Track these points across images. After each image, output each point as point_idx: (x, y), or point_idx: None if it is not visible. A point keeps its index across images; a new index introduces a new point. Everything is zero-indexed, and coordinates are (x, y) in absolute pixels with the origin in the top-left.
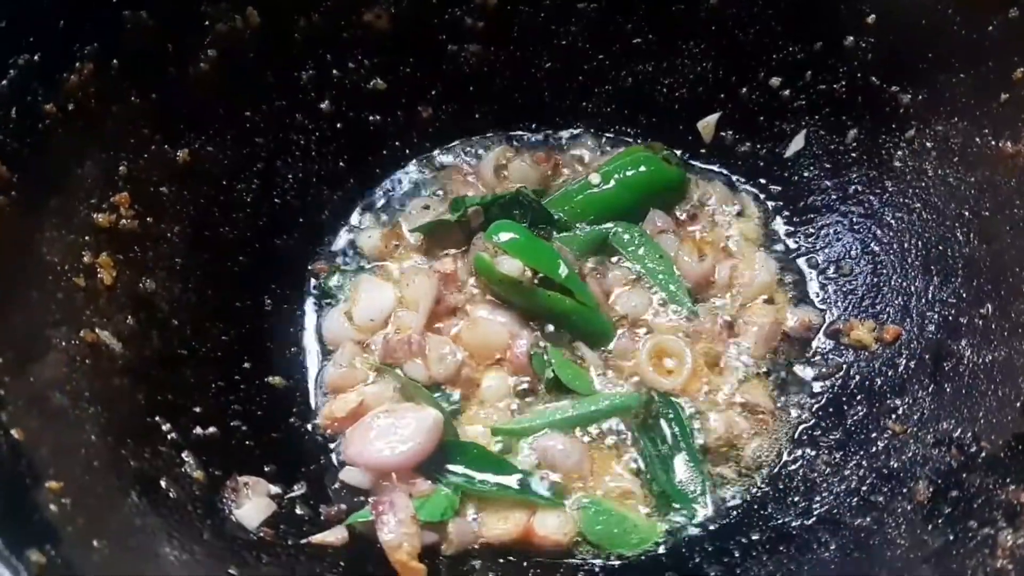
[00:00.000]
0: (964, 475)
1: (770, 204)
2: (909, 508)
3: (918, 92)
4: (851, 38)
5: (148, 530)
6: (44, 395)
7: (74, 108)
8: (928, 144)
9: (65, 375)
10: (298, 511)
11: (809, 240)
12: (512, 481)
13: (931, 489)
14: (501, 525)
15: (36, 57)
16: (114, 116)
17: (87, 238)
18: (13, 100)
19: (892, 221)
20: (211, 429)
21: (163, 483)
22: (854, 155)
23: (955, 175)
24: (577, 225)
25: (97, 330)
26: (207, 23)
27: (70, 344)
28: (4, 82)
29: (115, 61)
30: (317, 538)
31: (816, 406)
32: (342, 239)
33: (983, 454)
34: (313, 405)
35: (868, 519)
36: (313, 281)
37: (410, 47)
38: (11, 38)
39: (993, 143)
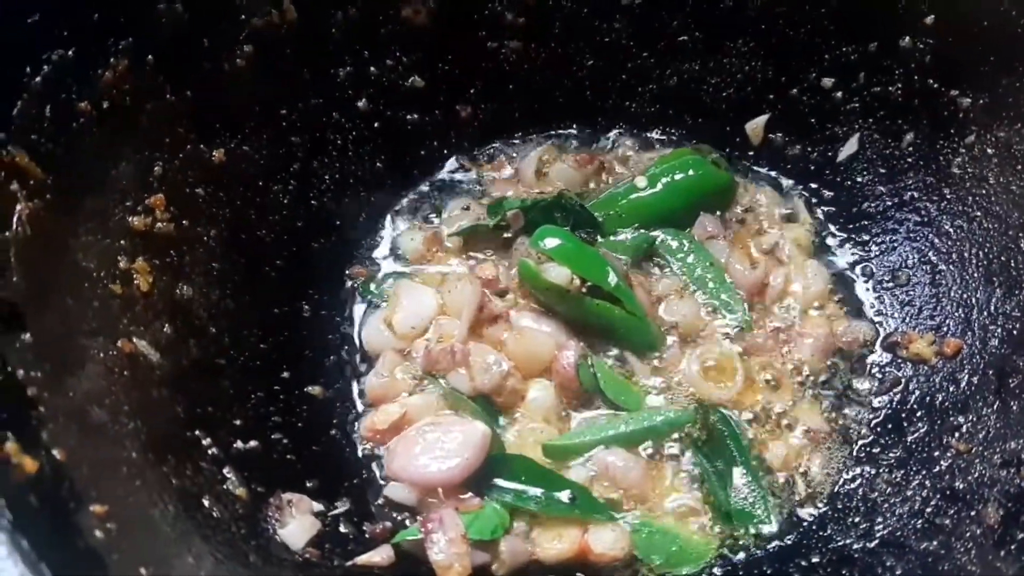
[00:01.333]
0: None
1: (822, 210)
2: (979, 532)
3: (979, 96)
4: (908, 39)
5: (194, 553)
6: (83, 410)
7: (108, 106)
8: (989, 150)
9: (103, 388)
10: (342, 529)
11: (863, 248)
12: (564, 496)
13: (1001, 512)
14: (556, 544)
15: (70, 53)
16: (149, 114)
17: (123, 242)
18: (47, 98)
19: (951, 230)
20: (252, 443)
21: (206, 502)
22: (910, 160)
23: (1018, 183)
24: (622, 230)
25: (135, 339)
26: (243, 17)
27: (108, 355)
28: (38, 79)
29: (150, 57)
30: (363, 559)
31: (875, 422)
32: (380, 242)
33: None
34: (354, 416)
35: (935, 543)
36: (350, 285)
37: (449, 44)
38: (45, 33)
39: None
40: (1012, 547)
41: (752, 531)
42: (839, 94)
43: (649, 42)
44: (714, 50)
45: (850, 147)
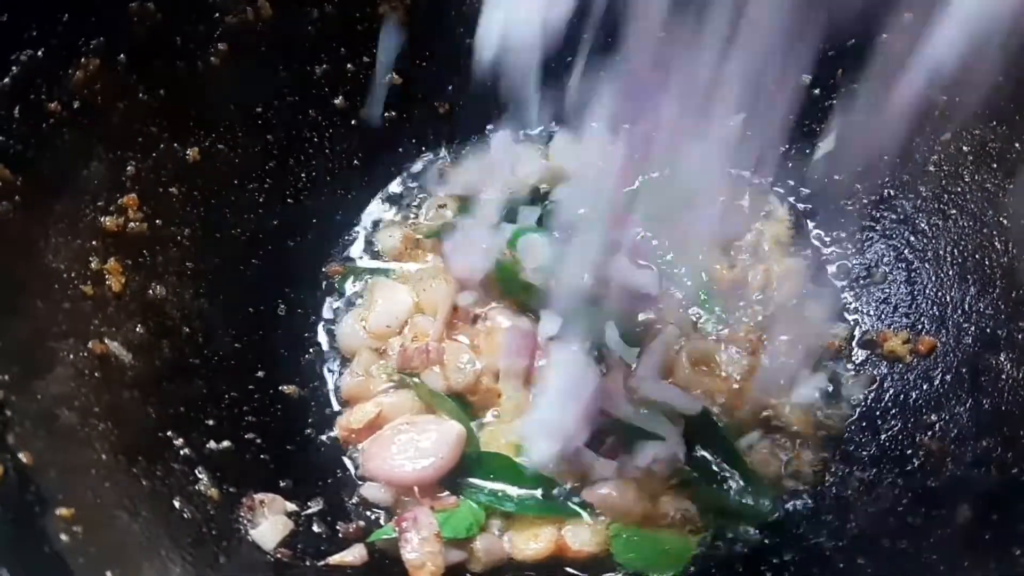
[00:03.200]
0: (1006, 498)
1: (799, 207)
2: (949, 532)
3: (955, 94)
4: (886, 36)
5: (162, 556)
6: (52, 413)
7: (79, 106)
8: (964, 148)
9: (73, 390)
10: (315, 529)
11: (840, 246)
12: (538, 494)
13: (971, 512)
14: (532, 544)
15: (40, 53)
16: (121, 114)
17: (94, 243)
18: (16, 98)
19: (926, 227)
20: (225, 443)
21: (176, 503)
22: (887, 158)
23: (993, 181)
24: None
25: (106, 340)
26: (216, 15)
27: (78, 356)
28: (7, 79)
29: (122, 56)
30: (336, 558)
31: (850, 420)
32: (357, 240)
33: None
34: (330, 415)
35: (905, 542)
36: (326, 283)
37: (426, 41)
38: (14, 32)
39: None
40: (980, 547)
41: (736, 528)
42: (817, 91)
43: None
44: None
45: (827, 145)
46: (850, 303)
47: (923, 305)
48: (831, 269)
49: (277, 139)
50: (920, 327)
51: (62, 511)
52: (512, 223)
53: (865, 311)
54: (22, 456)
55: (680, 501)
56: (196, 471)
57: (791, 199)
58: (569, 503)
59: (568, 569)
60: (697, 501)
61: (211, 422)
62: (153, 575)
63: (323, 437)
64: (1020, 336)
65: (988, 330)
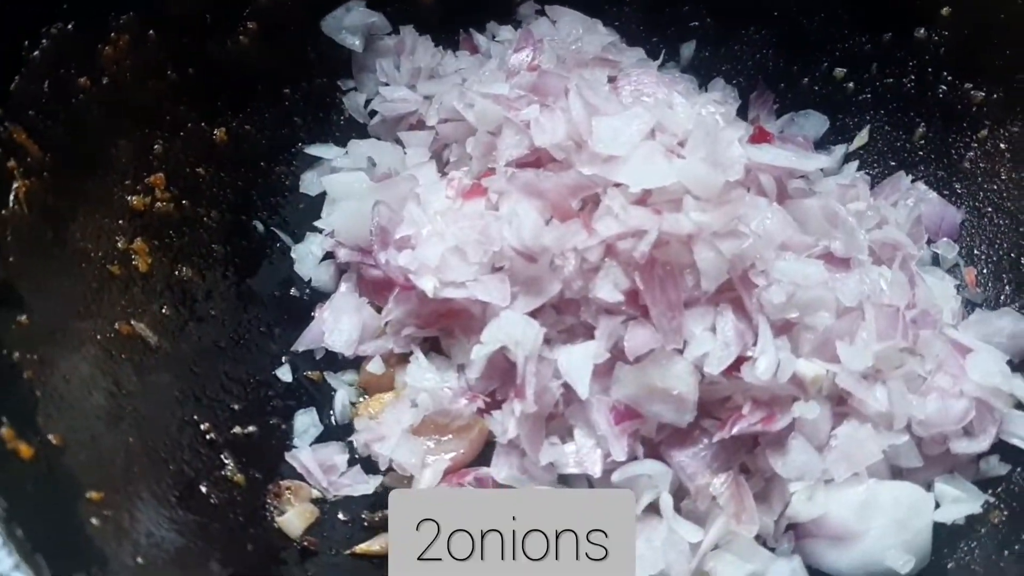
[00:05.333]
0: None
1: None
2: (983, 533)
3: (993, 90)
4: (923, 30)
5: (191, 542)
6: (82, 394)
7: (108, 82)
8: (1002, 146)
9: (101, 371)
10: (341, 517)
11: None
12: None
13: (1006, 513)
14: None
15: (70, 26)
16: (150, 91)
17: (121, 222)
18: (46, 72)
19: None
20: (250, 428)
21: (203, 488)
22: (921, 153)
23: None
24: None
25: (132, 322)
26: None
27: (105, 337)
28: (36, 52)
29: (152, 32)
30: (362, 547)
31: None
32: None
33: None
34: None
35: (938, 542)
36: None
37: (455, 23)
38: (44, 4)
39: None
40: (1016, 547)
41: None
42: (851, 84)
43: (659, 27)
44: (726, 37)
45: (861, 138)
46: None
47: None
48: None
49: (305, 122)
50: None
51: (92, 494)
52: None
53: None
54: (51, 438)
55: None
56: (222, 456)
57: None
58: None
59: None
60: None
61: (237, 406)
62: (181, 563)
63: (349, 424)
64: None
65: None
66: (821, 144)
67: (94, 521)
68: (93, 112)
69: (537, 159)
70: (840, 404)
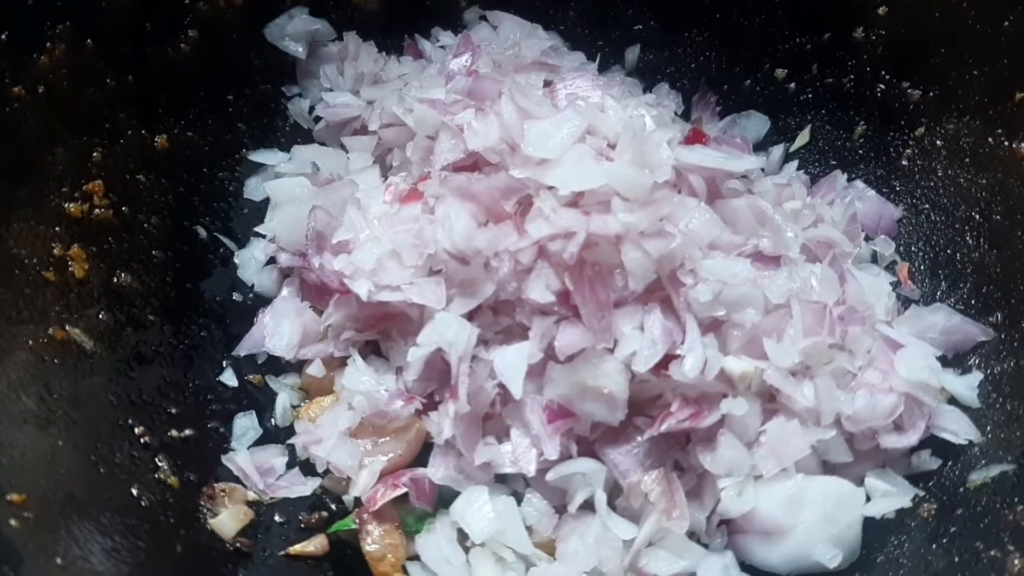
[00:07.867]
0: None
1: None
2: (913, 526)
3: (929, 89)
4: (861, 30)
5: (116, 542)
6: (10, 398)
7: (44, 91)
8: (938, 143)
9: (33, 376)
10: (277, 519)
11: None
12: None
13: (935, 507)
14: None
15: (3, 36)
16: (88, 99)
17: (57, 229)
18: None
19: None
20: (187, 431)
21: (134, 490)
22: (861, 152)
23: (966, 176)
24: None
25: (67, 327)
26: (187, 1)
27: (38, 342)
28: None
29: (89, 41)
30: (296, 548)
31: None
32: None
33: (991, 472)
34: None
35: (869, 536)
36: None
37: (399, 29)
38: None
39: (1007, 144)
40: (944, 541)
41: None
42: (792, 85)
43: (603, 30)
44: (669, 40)
45: (802, 138)
46: None
47: None
48: None
49: (248, 128)
50: None
51: (13, 496)
52: None
53: None
54: None
55: None
56: (156, 459)
57: None
58: None
59: None
60: None
61: (174, 410)
62: (106, 563)
63: (288, 427)
64: (992, 331)
65: None
66: (763, 144)
67: (12, 522)
68: (28, 120)
69: (474, 163)
70: (770, 401)
